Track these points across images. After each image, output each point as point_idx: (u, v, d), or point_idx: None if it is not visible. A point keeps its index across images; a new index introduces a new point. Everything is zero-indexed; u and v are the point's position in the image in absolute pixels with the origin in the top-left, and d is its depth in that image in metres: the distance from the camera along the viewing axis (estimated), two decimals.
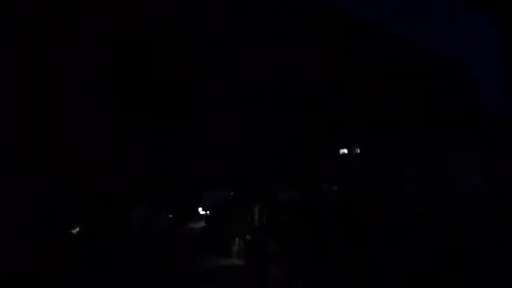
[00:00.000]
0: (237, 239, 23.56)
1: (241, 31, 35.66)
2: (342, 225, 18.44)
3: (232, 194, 29.53)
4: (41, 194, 25.00)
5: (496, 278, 12.44)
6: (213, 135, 33.04)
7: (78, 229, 25.90)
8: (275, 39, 36.68)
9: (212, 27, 33.72)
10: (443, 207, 16.46)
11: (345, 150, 30.68)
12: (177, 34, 32.71)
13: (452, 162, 19.69)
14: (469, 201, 16.38)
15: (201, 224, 28.76)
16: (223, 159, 31.51)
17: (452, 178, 18.89)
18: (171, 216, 30.37)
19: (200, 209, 30.44)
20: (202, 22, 32.98)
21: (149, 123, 31.93)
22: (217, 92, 33.80)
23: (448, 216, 15.47)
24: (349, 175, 25.91)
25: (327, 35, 39.06)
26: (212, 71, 33.27)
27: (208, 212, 29.26)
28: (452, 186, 18.50)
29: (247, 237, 23.28)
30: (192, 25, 32.77)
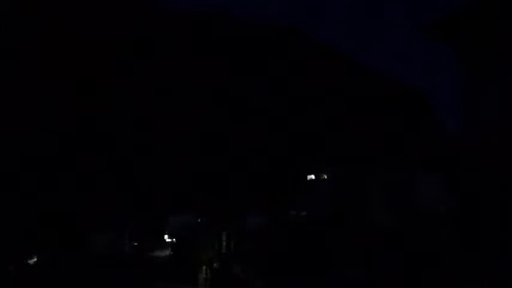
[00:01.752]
0: (204, 267, 23.04)
1: None
2: (311, 250, 18.36)
3: (199, 220, 29.04)
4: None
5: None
6: (178, 159, 32.76)
7: (35, 259, 24.80)
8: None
9: None
10: (409, 224, 16.76)
11: (313, 176, 30.90)
12: None
13: (416, 181, 20.19)
14: (433, 217, 16.79)
15: (167, 251, 28.08)
16: (190, 182, 31.20)
17: (417, 196, 19.34)
18: (135, 243, 29.55)
19: (166, 236, 29.76)
20: None
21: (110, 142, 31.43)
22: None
23: (414, 232, 15.75)
24: (317, 201, 26.02)
25: (300, 68, 39.92)
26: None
27: (174, 239, 28.62)
28: (416, 203, 18.93)
29: (215, 264, 22.83)
30: None
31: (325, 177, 29.82)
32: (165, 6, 40.33)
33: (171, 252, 27.75)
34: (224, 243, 23.79)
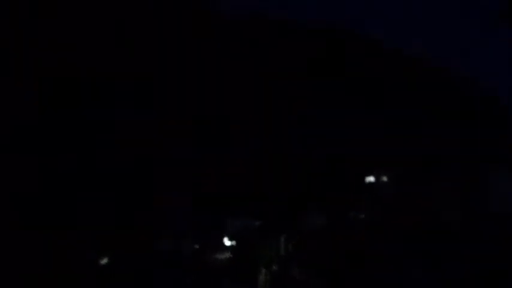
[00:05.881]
0: (263, 269, 23.27)
1: None
2: (372, 253, 18.07)
3: (257, 223, 29.35)
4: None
5: None
6: (238, 161, 33.23)
7: (106, 260, 26.19)
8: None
9: None
10: (481, 226, 16.08)
11: (372, 178, 30.31)
12: None
13: (488, 181, 19.32)
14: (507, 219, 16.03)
15: (227, 254, 28.65)
16: (248, 186, 31.57)
17: (489, 197, 18.51)
18: (197, 246, 30.32)
19: (226, 239, 30.37)
20: None
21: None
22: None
23: (487, 235, 15.09)
24: (376, 202, 25.52)
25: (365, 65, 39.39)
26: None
27: (233, 242, 29.09)
28: (489, 204, 18.11)
29: (274, 266, 22.98)
30: None
31: (385, 179, 29.18)
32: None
33: (231, 255, 28.22)
34: (282, 246, 23.89)
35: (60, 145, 27.00)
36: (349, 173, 30.76)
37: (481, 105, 41.98)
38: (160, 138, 30.68)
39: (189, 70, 33.09)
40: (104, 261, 26.09)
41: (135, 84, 30.54)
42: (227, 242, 30.06)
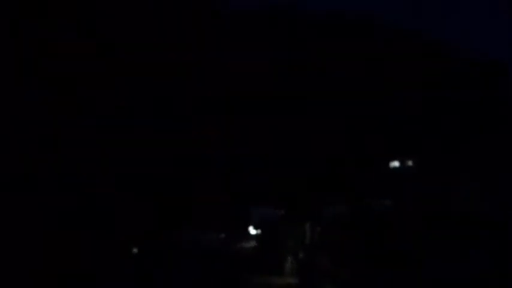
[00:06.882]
0: (289, 257, 23.39)
1: None
2: (395, 240, 17.95)
3: (282, 211, 29.42)
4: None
5: None
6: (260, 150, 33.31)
7: (136, 250, 26.88)
8: None
9: None
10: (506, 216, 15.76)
11: (396, 164, 29.91)
12: None
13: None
14: None
15: (253, 243, 28.87)
16: (272, 175, 31.62)
17: None
18: (223, 235, 30.61)
19: (251, 228, 30.57)
20: None
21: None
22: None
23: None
24: (402, 188, 25.24)
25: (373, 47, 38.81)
26: None
27: (259, 230, 29.27)
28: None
29: (300, 254, 23.07)
30: None
31: (410, 163, 28.77)
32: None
33: (256, 244, 28.44)
34: (308, 234, 23.92)
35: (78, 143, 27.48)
36: (371, 160, 30.49)
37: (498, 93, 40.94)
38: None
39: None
40: (135, 251, 26.76)
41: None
42: (252, 231, 30.25)
